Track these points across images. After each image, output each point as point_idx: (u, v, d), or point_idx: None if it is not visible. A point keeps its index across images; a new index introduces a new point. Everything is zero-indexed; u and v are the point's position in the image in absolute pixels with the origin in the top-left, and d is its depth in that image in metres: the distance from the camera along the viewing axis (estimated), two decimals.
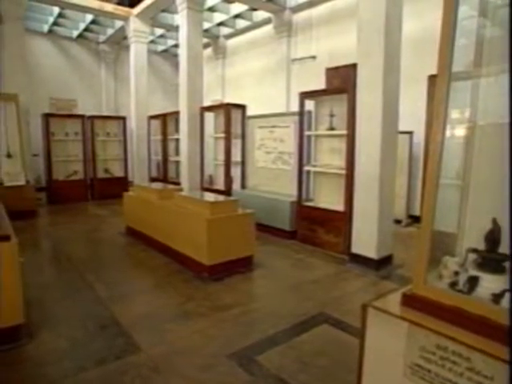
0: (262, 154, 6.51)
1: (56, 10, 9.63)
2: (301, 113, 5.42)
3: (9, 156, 7.46)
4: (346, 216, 4.80)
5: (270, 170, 6.38)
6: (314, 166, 5.49)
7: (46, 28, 10.50)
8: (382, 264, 4.40)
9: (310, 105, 5.53)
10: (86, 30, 10.75)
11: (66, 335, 2.94)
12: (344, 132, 4.90)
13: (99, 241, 6.00)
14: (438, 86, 1.45)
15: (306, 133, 5.47)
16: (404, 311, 1.49)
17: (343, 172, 4.91)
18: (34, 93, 8.54)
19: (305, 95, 5.41)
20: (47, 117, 8.91)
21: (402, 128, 5.01)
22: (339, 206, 4.98)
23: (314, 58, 8.07)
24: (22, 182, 7.25)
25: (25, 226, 6.37)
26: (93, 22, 10.26)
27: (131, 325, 3.08)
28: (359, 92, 4.44)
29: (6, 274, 2.73)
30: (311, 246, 5.34)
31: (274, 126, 6.24)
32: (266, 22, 9.52)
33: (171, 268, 4.48)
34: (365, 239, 4.45)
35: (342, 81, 5.02)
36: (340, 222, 4.94)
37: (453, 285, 1.45)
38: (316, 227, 5.28)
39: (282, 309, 3.45)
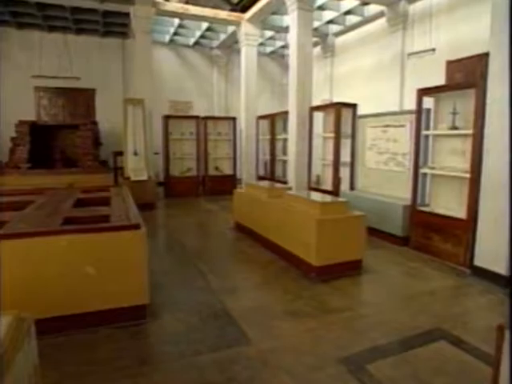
0: (373, 154, 6.23)
1: (176, 21, 10.53)
2: (418, 111, 5.03)
3: (135, 154, 8.37)
4: (469, 224, 4.32)
5: (382, 172, 6.07)
6: (432, 168, 5.06)
7: (167, 38, 11.56)
8: None
9: (427, 102, 5.11)
10: (202, 37, 11.53)
11: (182, 319, 3.18)
12: (469, 131, 4.42)
13: (210, 234, 6.40)
14: None
15: (424, 132, 5.07)
16: None
17: (467, 175, 4.43)
18: (156, 96, 9.45)
19: (423, 92, 5.01)
20: (167, 118, 9.81)
21: None
22: (460, 213, 4.52)
23: (433, 50, 7.44)
24: (145, 178, 8.07)
25: (145, 217, 7.07)
26: (207, 29, 10.98)
27: (241, 317, 3.20)
28: (490, 86, 3.95)
29: (135, 258, 3.05)
30: (426, 254, 4.94)
31: (387, 126, 5.92)
32: (379, 15, 9.09)
33: (278, 265, 4.56)
34: (491, 251, 3.96)
35: (466, 74, 4.53)
36: (461, 230, 4.47)
37: None
38: (432, 234, 4.87)
39: (394, 318, 3.26)
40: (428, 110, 5.09)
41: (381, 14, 8.94)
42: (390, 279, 4.22)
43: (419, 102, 5.03)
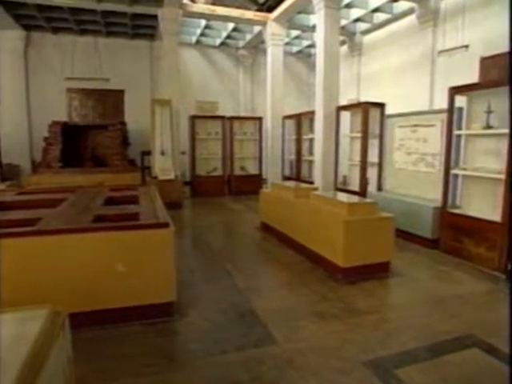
0: (401, 154, 6.09)
1: (203, 22, 10.63)
2: (450, 110, 4.88)
3: (162, 153, 8.50)
4: (504, 228, 4.16)
5: (411, 173, 5.92)
6: (464, 169, 4.90)
7: (194, 39, 11.70)
8: None
9: (459, 101, 4.95)
10: (228, 37, 11.60)
11: (209, 318, 3.20)
12: (505, 130, 4.25)
13: (236, 233, 6.43)
14: None
15: (456, 132, 4.91)
16: None
17: (501, 176, 4.27)
18: (182, 97, 9.58)
19: (456, 90, 4.85)
20: (193, 118, 9.93)
21: None
22: (494, 216, 4.35)
23: (465, 47, 7.21)
24: (171, 177, 8.19)
25: (172, 216, 7.17)
26: (234, 29, 11.03)
27: (267, 317, 3.20)
28: None
29: (164, 256, 3.10)
30: (456, 257, 4.79)
31: (416, 125, 5.77)
32: (408, 12, 8.89)
33: (304, 266, 4.53)
34: None
35: (501, 71, 4.35)
36: (495, 233, 4.30)
37: None
38: (463, 238, 4.71)
39: (423, 323, 3.18)
40: (460, 109, 4.93)
41: (410, 11, 8.74)
42: (419, 282, 4.11)
43: (451, 101, 4.88)
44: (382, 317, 3.28)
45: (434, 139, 5.46)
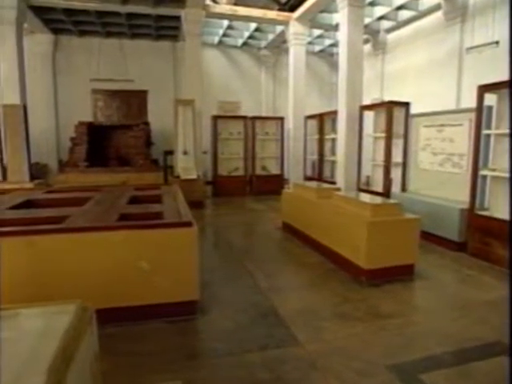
0: (427, 155, 5.95)
1: (225, 23, 10.69)
2: (479, 109, 4.74)
3: (185, 153, 8.60)
4: None
5: (436, 173, 5.78)
6: (493, 169, 4.74)
7: (216, 40, 11.78)
8: None
9: (489, 99, 4.79)
10: (250, 37, 11.61)
11: (231, 317, 3.21)
12: None
13: (257, 233, 6.43)
14: None
15: (485, 132, 4.76)
16: None
17: None
18: (205, 97, 9.65)
19: (485, 88, 4.70)
20: (215, 118, 10.00)
21: None
22: None
23: (496, 43, 6.98)
24: (194, 176, 8.27)
25: (194, 215, 7.22)
26: (256, 29, 11.04)
27: (289, 317, 3.18)
28: None
29: (187, 254, 3.13)
30: (484, 261, 4.64)
31: (442, 125, 5.63)
32: (434, 9, 8.68)
33: (326, 267, 4.49)
34: None
35: None
36: None
37: None
38: (492, 240, 4.56)
39: (449, 328, 3.09)
40: (489, 108, 4.78)
41: (437, 8, 8.53)
42: (445, 286, 4.01)
43: (480, 100, 4.74)
44: (407, 320, 3.21)
45: (461, 139, 5.32)
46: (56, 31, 10.40)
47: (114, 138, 10.30)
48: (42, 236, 2.84)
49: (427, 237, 5.30)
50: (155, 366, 2.50)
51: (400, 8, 9.22)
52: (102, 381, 1.75)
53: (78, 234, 2.91)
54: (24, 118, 8.24)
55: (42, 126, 10.34)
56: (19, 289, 2.70)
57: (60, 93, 10.81)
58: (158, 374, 2.42)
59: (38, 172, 9.54)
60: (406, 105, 6.54)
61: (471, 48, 7.58)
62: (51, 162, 10.60)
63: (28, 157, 8.45)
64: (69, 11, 9.00)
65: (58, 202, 4.24)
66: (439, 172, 5.73)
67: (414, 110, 6.60)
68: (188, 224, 3.13)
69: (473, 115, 4.92)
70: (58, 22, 9.73)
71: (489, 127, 4.77)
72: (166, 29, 10.49)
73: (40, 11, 8.94)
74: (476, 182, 4.83)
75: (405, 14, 9.48)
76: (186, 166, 8.45)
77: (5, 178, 8.81)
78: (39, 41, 10.31)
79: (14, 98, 8.00)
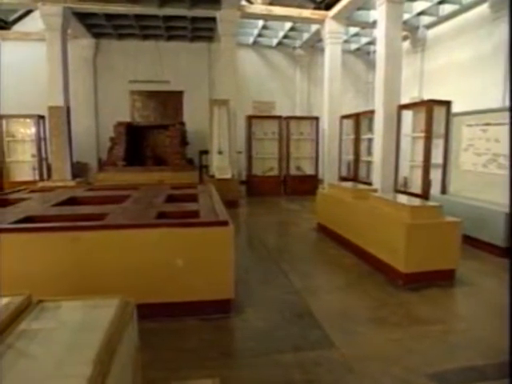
0: (469, 155, 5.69)
1: (260, 23, 10.71)
2: None
3: (220, 153, 8.68)
4: None
5: (480, 175, 5.52)
6: None
7: (251, 40, 11.83)
8: None
9: None
10: (285, 37, 11.59)
11: (265, 316, 3.20)
12: None
13: (292, 233, 6.39)
14: None
15: None
16: None
17: None
18: (239, 97, 9.72)
19: None
20: (250, 118, 10.04)
21: None
22: None
23: None
24: (228, 176, 8.33)
25: (229, 214, 7.31)
26: (291, 29, 10.99)
27: (324, 319, 3.14)
28: None
29: (223, 253, 3.15)
30: None
31: (487, 124, 5.37)
32: (478, 2, 8.31)
33: (362, 269, 4.40)
34: None
35: None
36: None
37: None
38: None
39: (492, 338, 2.93)
40: None
41: (481, 1, 8.16)
42: (488, 293, 3.82)
43: None
44: (447, 328, 3.08)
45: (507, 138, 5.05)
46: (97, 35, 10.84)
47: (151, 138, 10.58)
48: (85, 232, 2.95)
49: (469, 241, 5.07)
50: (192, 362, 2.54)
51: (442, 2, 8.90)
52: (142, 374, 1.79)
53: (118, 230, 3.00)
54: (67, 119, 8.64)
55: (83, 127, 10.80)
56: (63, 281, 2.82)
57: (100, 94, 11.26)
58: (195, 370, 2.45)
59: (78, 170, 9.96)
60: (447, 103, 6.31)
61: None
62: (91, 161, 11.06)
63: (70, 156, 8.84)
64: (109, 16, 9.34)
65: (98, 199, 4.41)
66: (483, 173, 5.47)
67: (456, 108, 6.35)
68: (224, 223, 3.16)
69: None
70: (100, 27, 10.13)
71: None
72: (202, 30, 10.66)
73: (83, 17, 9.33)
74: None
75: (447, 9, 9.12)
76: (221, 166, 8.53)
77: (49, 176, 9.26)
78: (82, 45, 10.79)
79: (58, 100, 8.40)
